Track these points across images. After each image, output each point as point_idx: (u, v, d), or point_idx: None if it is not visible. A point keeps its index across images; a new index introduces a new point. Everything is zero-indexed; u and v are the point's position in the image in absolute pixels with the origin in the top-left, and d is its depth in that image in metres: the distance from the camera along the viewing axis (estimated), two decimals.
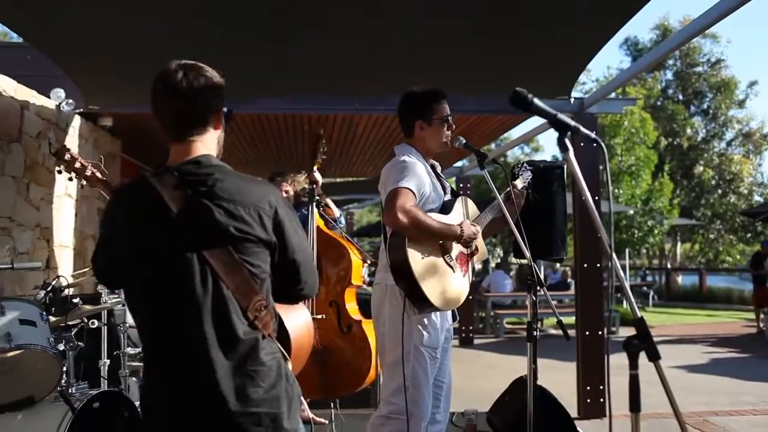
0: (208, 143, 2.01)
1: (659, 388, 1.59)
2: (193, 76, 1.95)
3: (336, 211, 5.62)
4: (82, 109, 6.47)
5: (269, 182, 2.05)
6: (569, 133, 1.60)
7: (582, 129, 1.62)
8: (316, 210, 4.58)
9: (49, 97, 6.06)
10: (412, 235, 3.18)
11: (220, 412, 1.80)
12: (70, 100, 6.14)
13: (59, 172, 2.46)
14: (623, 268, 18.96)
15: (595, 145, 1.50)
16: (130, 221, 1.96)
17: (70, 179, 2.46)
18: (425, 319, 3.32)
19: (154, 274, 1.88)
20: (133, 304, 2.00)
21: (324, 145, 3.51)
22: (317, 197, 4.67)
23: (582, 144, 5.76)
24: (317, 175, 4.00)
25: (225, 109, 2.07)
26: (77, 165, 2.46)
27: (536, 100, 1.61)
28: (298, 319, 2.18)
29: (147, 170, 10.28)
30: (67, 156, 2.44)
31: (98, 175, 2.55)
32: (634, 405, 1.59)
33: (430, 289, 3.17)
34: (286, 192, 5.42)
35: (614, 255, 1.61)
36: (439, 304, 3.21)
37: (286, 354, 2.00)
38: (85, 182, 2.51)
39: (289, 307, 2.18)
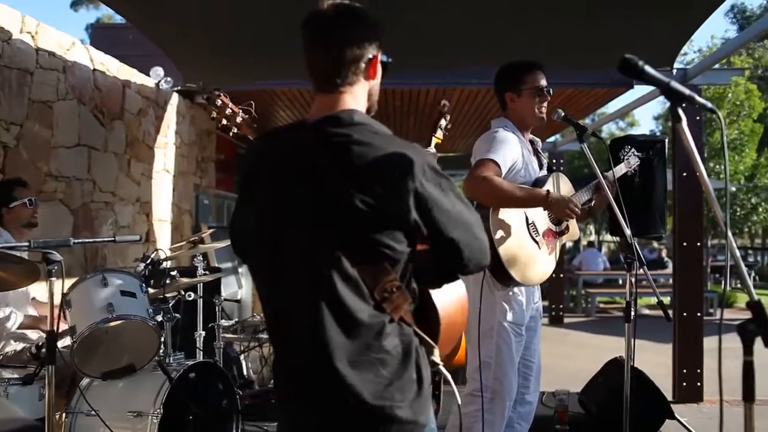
0: (358, 95, 1.76)
1: (759, 373, 1.48)
2: (346, 16, 1.71)
3: None
4: (179, 87, 6.65)
5: (417, 147, 1.72)
6: (683, 102, 1.50)
7: (698, 98, 1.50)
8: None
9: (149, 75, 6.25)
10: (495, 206, 3.10)
11: (337, 403, 1.63)
12: (169, 78, 6.32)
13: (213, 118, 2.40)
14: (723, 247, 18.15)
15: (698, 118, 1.38)
16: (252, 184, 1.77)
17: (223, 127, 2.41)
18: (510, 296, 3.24)
19: (270, 249, 1.70)
20: (253, 278, 1.81)
21: (447, 120, 3.36)
22: None
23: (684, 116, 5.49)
24: (431, 150, 3.80)
25: (384, 58, 1.80)
26: (228, 111, 2.40)
27: (647, 68, 1.50)
28: (448, 294, 1.90)
29: (242, 147, 10.57)
30: (219, 102, 2.39)
31: (249, 121, 2.47)
32: (748, 394, 1.48)
33: (512, 263, 3.09)
34: None
35: (729, 233, 1.49)
36: (520, 280, 3.13)
37: (428, 339, 1.74)
38: (236, 129, 2.44)
39: None
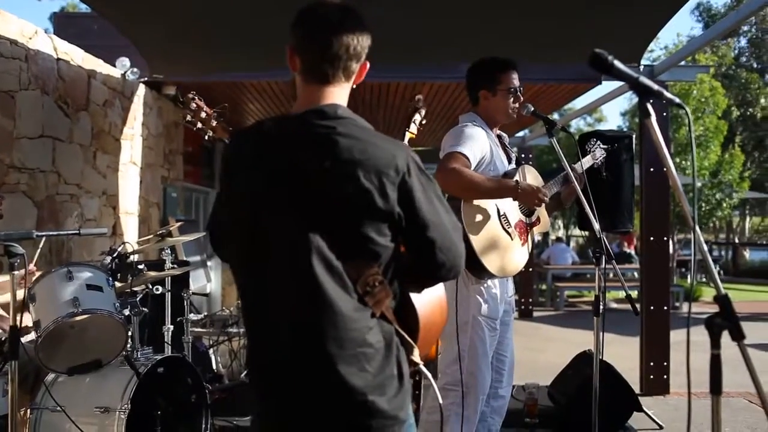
0: (344, 93, 1.80)
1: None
2: (353, 17, 1.75)
3: None
4: (146, 78, 6.56)
5: (402, 143, 1.78)
6: (652, 97, 1.51)
7: (666, 93, 1.52)
8: None
9: (114, 66, 6.15)
10: (465, 197, 3.10)
11: (321, 397, 1.63)
12: (135, 69, 6.22)
13: (187, 121, 2.36)
14: (689, 242, 18.45)
15: (665, 114, 1.38)
16: (232, 177, 1.76)
17: (197, 129, 2.38)
18: (483, 289, 3.25)
19: (252, 242, 1.68)
20: (233, 272, 1.79)
21: (422, 116, 3.31)
22: None
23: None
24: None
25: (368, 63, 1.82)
26: (203, 114, 2.39)
27: (617, 63, 1.51)
28: (427, 295, 1.88)
29: (209, 140, 10.50)
30: (194, 105, 2.36)
31: (223, 124, 2.46)
32: (715, 386, 1.50)
33: (486, 255, 3.10)
34: None
35: (697, 228, 1.51)
36: (495, 271, 3.14)
37: (408, 339, 1.74)
38: (211, 132, 2.42)
39: None
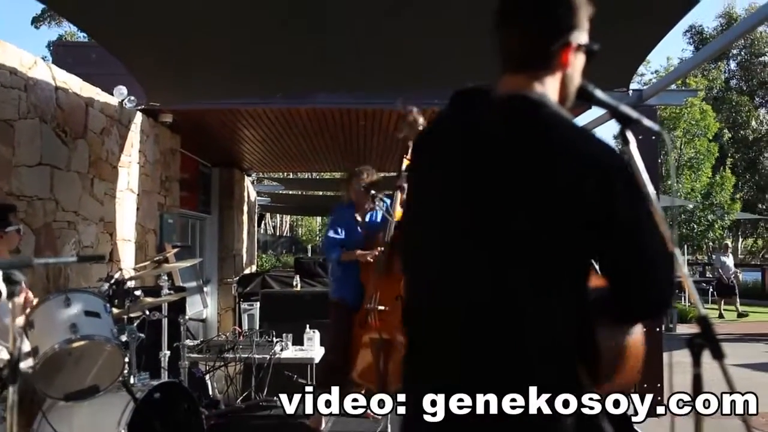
0: (548, 82, 1.54)
1: (717, 388, 1.55)
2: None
3: None
4: (143, 106, 6.63)
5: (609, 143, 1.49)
6: (631, 125, 1.58)
7: (644, 121, 1.58)
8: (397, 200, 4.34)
9: (112, 94, 6.22)
10: None
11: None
12: (132, 97, 6.30)
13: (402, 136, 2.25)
14: (688, 263, 18.53)
15: (654, 137, 1.44)
16: (421, 169, 1.63)
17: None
18: None
19: (427, 245, 1.54)
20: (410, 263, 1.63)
21: None
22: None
23: (641, 137, 5.62)
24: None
25: (586, 43, 1.58)
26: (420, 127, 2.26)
27: (597, 91, 1.58)
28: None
29: (206, 165, 10.41)
30: (411, 118, 2.31)
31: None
32: (697, 406, 1.55)
33: None
34: (367, 181, 4.96)
35: (677, 250, 1.56)
36: None
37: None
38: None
39: None
